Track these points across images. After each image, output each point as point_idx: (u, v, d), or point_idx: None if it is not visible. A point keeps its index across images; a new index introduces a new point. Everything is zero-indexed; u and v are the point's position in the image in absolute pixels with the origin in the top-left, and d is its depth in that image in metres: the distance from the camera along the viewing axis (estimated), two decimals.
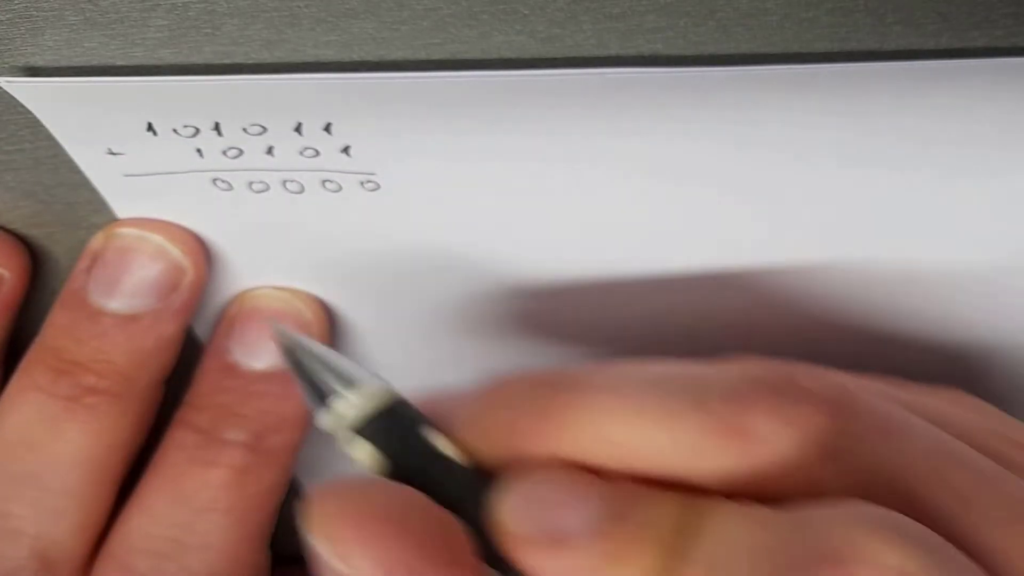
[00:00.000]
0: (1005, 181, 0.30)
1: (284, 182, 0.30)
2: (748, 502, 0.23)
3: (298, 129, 0.29)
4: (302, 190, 0.31)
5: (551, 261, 0.33)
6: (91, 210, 0.32)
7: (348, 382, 0.25)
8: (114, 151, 0.29)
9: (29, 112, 0.29)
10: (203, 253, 0.32)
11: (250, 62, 0.28)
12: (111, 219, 0.32)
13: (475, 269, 0.33)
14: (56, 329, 0.32)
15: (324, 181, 0.30)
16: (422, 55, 0.27)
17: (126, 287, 0.32)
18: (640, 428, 0.24)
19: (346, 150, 0.29)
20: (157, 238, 0.32)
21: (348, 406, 0.25)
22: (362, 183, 0.30)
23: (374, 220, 0.32)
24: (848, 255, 0.32)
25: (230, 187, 0.31)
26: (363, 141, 0.29)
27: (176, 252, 0.32)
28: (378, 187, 0.30)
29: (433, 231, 0.32)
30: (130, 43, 0.27)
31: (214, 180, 0.30)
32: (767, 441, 0.23)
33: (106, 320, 0.32)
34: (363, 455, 0.25)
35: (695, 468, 0.23)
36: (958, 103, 0.28)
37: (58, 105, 0.28)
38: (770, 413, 0.23)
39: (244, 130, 0.29)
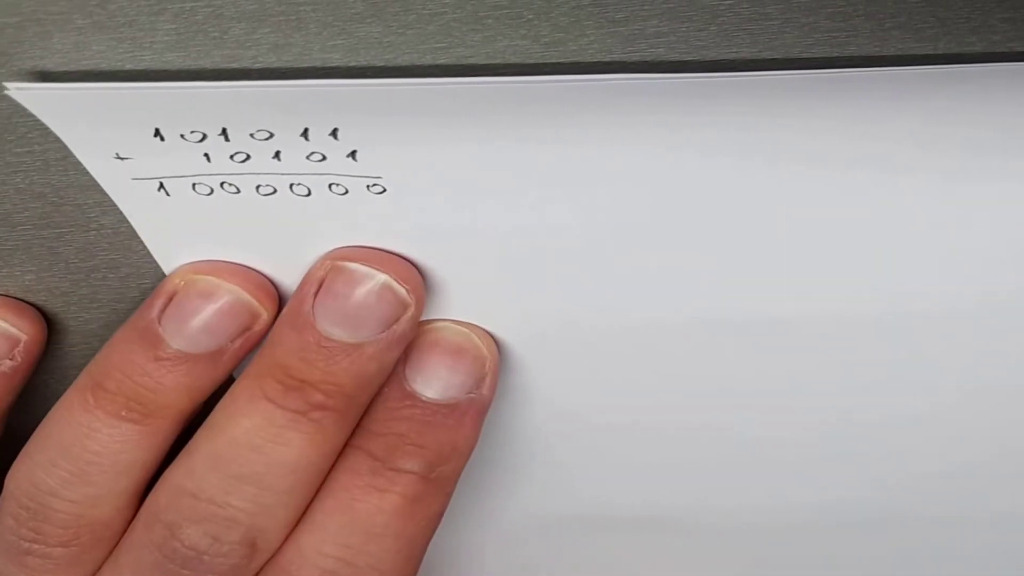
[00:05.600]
0: (1004, 186, 0.30)
1: (291, 185, 0.31)
2: None
3: (305, 135, 0.29)
4: (309, 193, 0.31)
5: (555, 266, 0.33)
6: (101, 212, 0.32)
7: None
8: (122, 156, 0.30)
9: None
10: (424, 289, 0.34)
11: (257, 66, 0.28)
12: (121, 220, 0.32)
13: (480, 273, 0.33)
14: (285, 349, 0.33)
15: (331, 184, 0.30)
16: (428, 59, 0.27)
17: (351, 318, 0.33)
18: None
19: (353, 155, 0.29)
20: (384, 276, 0.33)
21: None
22: (368, 186, 0.30)
23: (380, 223, 0.32)
24: (844, 264, 0.32)
25: (238, 191, 0.31)
26: (370, 146, 0.29)
27: (401, 291, 0.33)
28: (384, 191, 0.31)
29: (439, 235, 0.32)
30: (138, 47, 0.27)
31: (222, 183, 0.31)
32: None
33: (334, 347, 0.33)
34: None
35: None
36: (956, 109, 0.28)
37: (65, 111, 0.28)
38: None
39: (251, 136, 0.29)
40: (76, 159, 0.30)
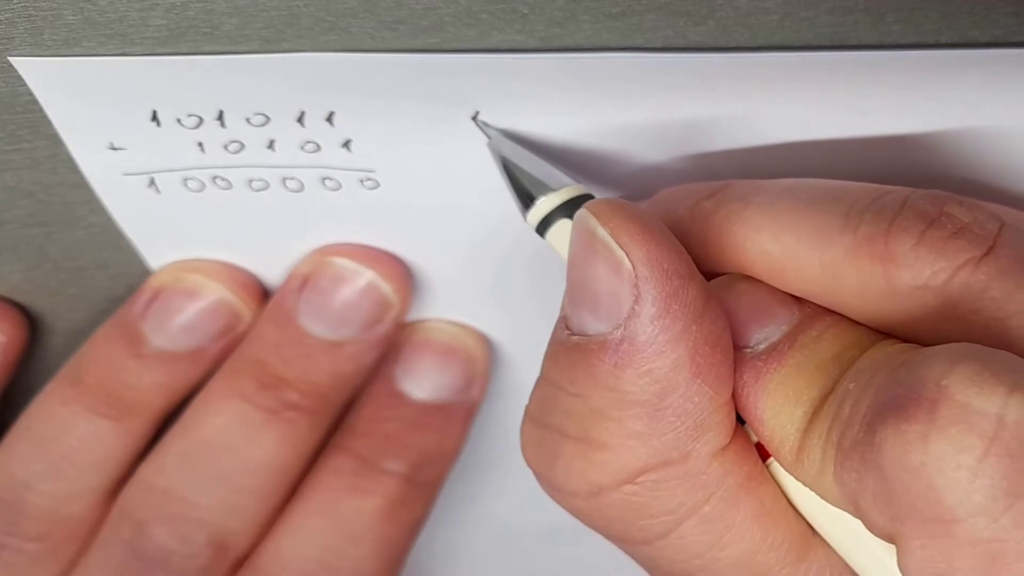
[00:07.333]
0: (1005, 172, 0.30)
1: (284, 180, 0.30)
2: (894, 339, 0.23)
3: (300, 120, 0.29)
4: (302, 188, 0.31)
5: (550, 264, 0.33)
6: (89, 210, 0.32)
7: (547, 186, 0.27)
8: (115, 146, 0.29)
9: (28, 112, 0.29)
10: (411, 289, 0.33)
11: None
12: (110, 219, 0.32)
13: (474, 271, 0.33)
14: (264, 344, 0.33)
15: (324, 179, 0.30)
16: None
17: (334, 315, 0.33)
18: (791, 244, 0.24)
19: (347, 144, 0.29)
20: (371, 273, 0.33)
21: (547, 202, 0.27)
22: (362, 181, 0.30)
23: (373, 220, 0.32)
24: None
25: (230, 185, 0.31)
26: (364, 135, 0.29)
27: (387, 288, 0.33)
28: (378, 185, 0.30)
29: (432, 231, 0.32)
30: (129, 42, 0.27)
31: (214, 178, 0.30)
32: (911, 267, 0.23)
33: (314, 344, 0.33)
34: (561, 243, 0.27)
35: (841, 288, 0.24)
36: (958, 93, 0.28)
37: (63, 88, 0.28)
38: (918, 240, 0.23)
39: (247, 120, 0.29)
40: (66, 156, 0.30)
